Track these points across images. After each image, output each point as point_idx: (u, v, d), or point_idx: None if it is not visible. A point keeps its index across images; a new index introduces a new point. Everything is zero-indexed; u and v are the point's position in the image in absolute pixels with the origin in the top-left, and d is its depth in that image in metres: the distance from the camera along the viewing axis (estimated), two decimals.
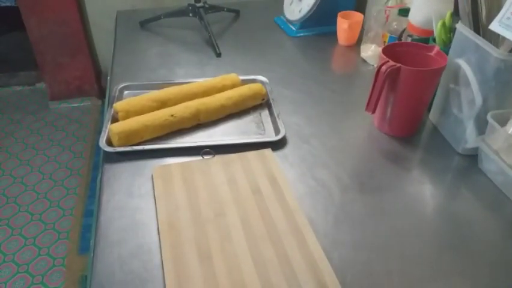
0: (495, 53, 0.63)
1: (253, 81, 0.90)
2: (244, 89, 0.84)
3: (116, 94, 0.85)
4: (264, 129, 0.80)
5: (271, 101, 0.85)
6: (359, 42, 1.08)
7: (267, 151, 0.72)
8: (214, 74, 0.90)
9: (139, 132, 0.72)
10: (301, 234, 0.58)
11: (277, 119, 0.79)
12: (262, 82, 0.90)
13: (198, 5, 1.15)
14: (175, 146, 0.73)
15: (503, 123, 0.66)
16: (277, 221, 0.60)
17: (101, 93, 2.01)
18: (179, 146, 0.73)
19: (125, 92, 0.88)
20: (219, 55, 1.05)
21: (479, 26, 0.68)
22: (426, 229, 0.62)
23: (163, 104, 0.80)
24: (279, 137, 0.75)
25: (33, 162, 1.80)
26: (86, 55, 1.99)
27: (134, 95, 0.83)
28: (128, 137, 0.72)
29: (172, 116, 0.75)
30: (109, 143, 0.73)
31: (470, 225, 0.62)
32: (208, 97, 0.81)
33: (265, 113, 0.84)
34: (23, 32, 1.93)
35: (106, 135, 0.73)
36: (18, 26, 2.00)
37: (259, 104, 0.86)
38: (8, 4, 2.27)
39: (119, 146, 0.72)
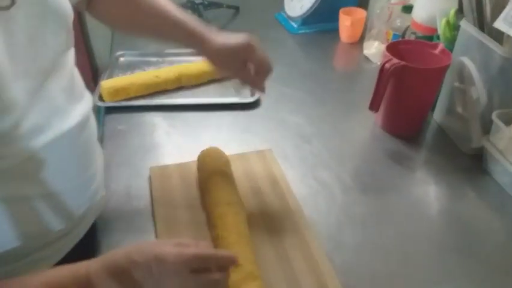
0: (500, 51, 0.62)
1: None
2: None
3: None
4: (242, 94, 0.87)
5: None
6: (361, 39, 1.07)
7: (268, 151, 0.71)
8: None
9: (125, 89, 0.83)
10: (302, 235, 0.57)
11: None
12: None
13: (197, 1, 1.14)
14: (159, 103, 0.83)
15: (508, 122, 0.65)
16: (277, 222, 0.59)
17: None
18: (162, 103, 0.83)
19: (122, 59, 0.98)
20: None
21: (483, 24, 0.67)
22: (430, 230, 0.61)
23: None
24: (253, 99, 0.84)
25: None
26: (82, 52, 1.98)
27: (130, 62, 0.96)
28: (117, 92, 0.82)
29: (156, 76, 0.85)
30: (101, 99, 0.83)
31: (475, 226, 0.61)
32: (191, 63, 0.90)
33: None
34: None
35: (98, 92, 0.83)
36: None
37: None
38: None
39: (109, 100, 0.82)
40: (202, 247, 0.46)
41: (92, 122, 0.56)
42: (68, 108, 0.49)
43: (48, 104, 0.45)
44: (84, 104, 0.53)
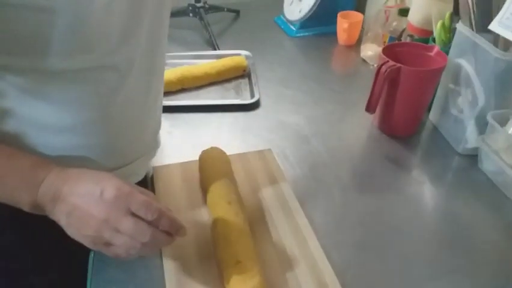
0: (495, 53, 0.63)
1: (237, 55, 0.99)
2: (227, 60, 0.93)
3: None
4: (242, 95, 0.90)
5: (251, 72, 0.94)
6: (359, 42, 1.08)
7: (267, 151, 0.72)
8: None
9: None
10: (301, 234, 0.58)
11: (254, 87, 0.89)
12: (245, 56, 0.98)
13: (198, 5, 1.15)
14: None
15: (503, 123, 0.66)
16: (277, 221, 0.60)
17: None
18: (164, 104, 0.81)
19: None
20: None
21: (478, 26, 0.68)
22: (426, 229, 0.62)
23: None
24: (253, 100, 0.86)
25: None
26: None
27: None
28: None
29: None
30: None
31: (469, 225, 0.62)
32: (193, 66, 0.91)
33: (245, 81, 0.94)
34: None
35: None
36: None
37: (241, 75, 0.94)
38: None
39: None
40: (153, 199, 0.44)
41: None
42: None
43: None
44: None
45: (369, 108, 0.74)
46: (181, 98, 0.88)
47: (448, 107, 0.76)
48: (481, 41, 0.66)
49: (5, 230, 0.55)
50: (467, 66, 0.70)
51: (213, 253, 0.55)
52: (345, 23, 1.06)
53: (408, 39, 0.88)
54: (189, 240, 0.56)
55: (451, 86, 0.75)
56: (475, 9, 0.67)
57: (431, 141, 0.79)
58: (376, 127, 0.81)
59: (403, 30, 0.91)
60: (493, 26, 0.63)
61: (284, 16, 1.21)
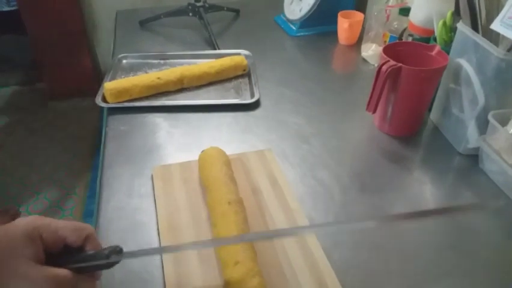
0: (496, 52, 0.63)
1: (237, 54, 0.98)
2: (227, 60, 0.93)
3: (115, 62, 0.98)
4: (242, 95, 0.89)
5: (251, 72, 0.94)
6: (359, 41, 1.08)
7: (267, 151, 0.72)
8: None
9: (128, 91, 0.84)
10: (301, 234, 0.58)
11: (254, 87, 0.89)
12: (245, 55, 0.98)
13: (198, 4, 1.15)
14: (161, 104, 0.85)
15: (504, 123, 0.66)
16: (277, 221, 0.60)
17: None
18: (163, 104, 0.85)
19: (124, 61, 0.99)
20: None
21: (479, 25, 0.68)
22: (426, 229, 0.61)
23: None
24: (253, 100, 0.85)
25: (32, 162, 1.80)
26: (85, 55, 1.99)
27: (132, 65, 0.98)
28: (120, 93, 0.83)
29: (158, 78, 0.86)
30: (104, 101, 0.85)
31: (470, 226, 0.62)
32: (192, 65, 0.91)
33: (245, 81, 0.94)
34: (23, 33, 1.93)
35: (101, 93, 0.85)
36: (18, 28, 2.00)
37: (241, 74, 0.94)
38: (7, 9, 2.28)
39: (112, 101, 0.83)
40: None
41: None
42: None
43: None
44: None
45: (370, 107, 0.74)
46: (181, 97, 0.88)
47: (449, 106, 0.76)
48: (482, 40, 0.66)
49: None
50: (468, 65, 0.70)
51: (213, 253, 0.55)
52: (346, 22, 1.06)
53: (409, 39, 0.88)
54: (189, 240, 0.56)
55: (452, 85, 0.75)
56: (481, 11, 0.67)
57: (431, 141, 0.79)
58: (377, 127, 0.81)
59: (404, 30, 0.91)
60: (495, 26, 0.63)
61: (284, 15, 1.21)
